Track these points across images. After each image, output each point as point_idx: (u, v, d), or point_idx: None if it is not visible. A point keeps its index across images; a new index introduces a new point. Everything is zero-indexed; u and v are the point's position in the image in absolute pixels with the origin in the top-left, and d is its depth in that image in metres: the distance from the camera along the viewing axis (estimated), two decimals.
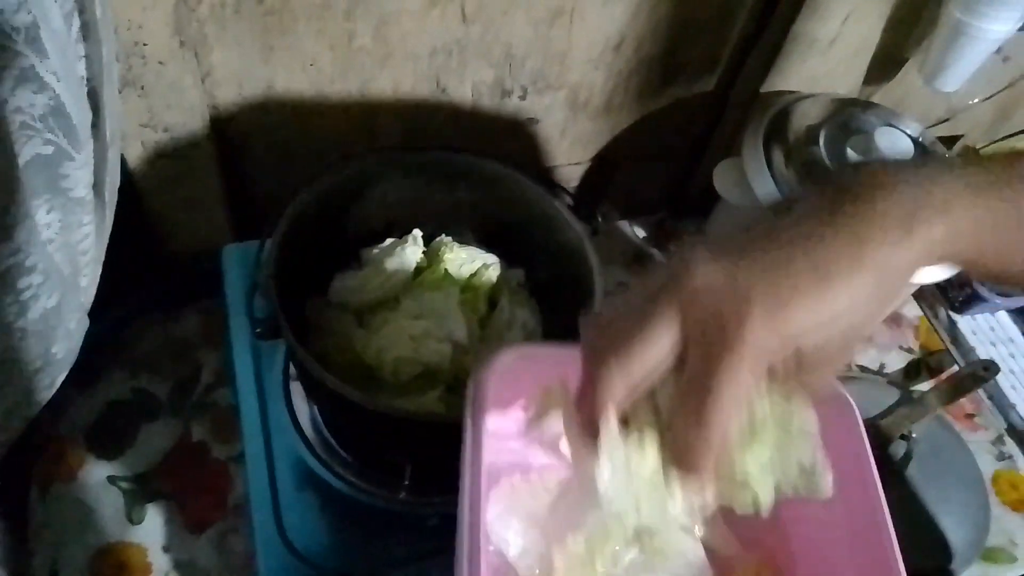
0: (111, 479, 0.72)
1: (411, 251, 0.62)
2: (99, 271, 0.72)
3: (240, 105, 0.71)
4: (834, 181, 0.36)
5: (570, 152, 0.89)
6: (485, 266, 0.65)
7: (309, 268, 0.64)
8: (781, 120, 0.78)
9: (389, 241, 0.65)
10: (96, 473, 0.72)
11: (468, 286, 0.63)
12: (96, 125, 0.62)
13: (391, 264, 0.61)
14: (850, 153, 0.75)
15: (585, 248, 0.59)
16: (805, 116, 0.78)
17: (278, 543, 0.57)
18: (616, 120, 0.87)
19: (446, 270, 0.63)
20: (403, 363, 0.56)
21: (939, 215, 0.34)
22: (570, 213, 0.61)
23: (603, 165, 0.92)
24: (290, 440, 0.62)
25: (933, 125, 0.97)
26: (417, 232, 0.66)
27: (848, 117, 0.78)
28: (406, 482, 0.60)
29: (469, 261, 0.64)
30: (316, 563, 0.57)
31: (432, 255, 0.65)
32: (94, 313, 0.74)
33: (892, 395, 0.85)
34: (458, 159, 0.63)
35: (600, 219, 0.60)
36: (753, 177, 0.75)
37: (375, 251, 0.63)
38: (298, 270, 0.62)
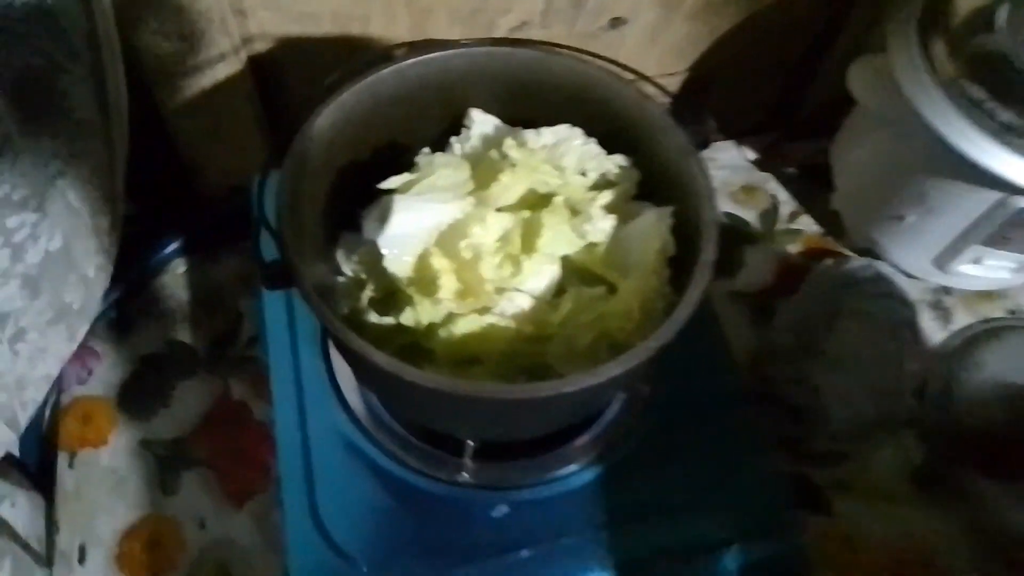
0: (144, 444, 0.64)
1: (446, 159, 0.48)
2: (121, 210, 0.64)
3: (271, 9, 0.61)
4: None
5: (661, 61, 0.77)
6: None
7: (354, 200, 0.52)
8: (940, 0, 0.61)
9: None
10: (128, 438, 0.65)
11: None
12: (92, 31, 0.52)
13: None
14: None
15: (692, 165, 0.46)
16: None
17: (311, 532, 0.48)
18: (718, 21, 0.74)
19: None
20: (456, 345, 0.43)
21: None
22: (672, 121, 0.48)
23: (701, 76, 0.80)
24: (329, 407, 0.52)
25: None
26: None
27: None
28: (467, 461, 0.49)
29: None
30: (356, 557, 0.47)
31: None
32: (122, 259, 0.66)
33: None
34: (526, 54, 0.50)
35: (712, 125, 0.46)
36: (903, 75, 0.60)
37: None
38: (336, 203, 0.51)
